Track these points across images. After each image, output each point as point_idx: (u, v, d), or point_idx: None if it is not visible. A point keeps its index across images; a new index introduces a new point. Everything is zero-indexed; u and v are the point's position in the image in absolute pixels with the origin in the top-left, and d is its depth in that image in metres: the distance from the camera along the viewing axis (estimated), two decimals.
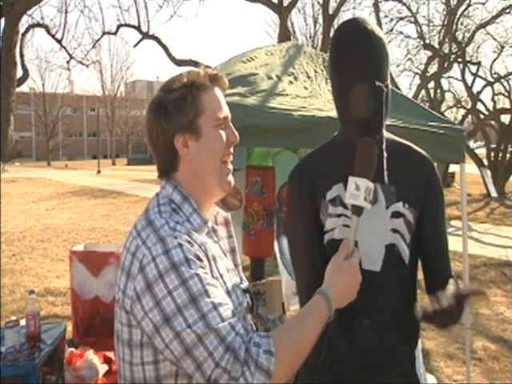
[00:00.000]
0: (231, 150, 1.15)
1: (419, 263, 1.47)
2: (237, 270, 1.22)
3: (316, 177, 1.43)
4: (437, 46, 14.76)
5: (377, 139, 1.34)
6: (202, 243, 1.04)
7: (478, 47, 17.31)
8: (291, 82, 3.19)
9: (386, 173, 1.35)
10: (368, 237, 1.35)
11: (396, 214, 1.36)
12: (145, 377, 1.02)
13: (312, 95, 3.16)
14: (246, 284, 1.23)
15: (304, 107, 2.86)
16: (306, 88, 3.24)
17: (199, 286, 0.95)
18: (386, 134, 1.43)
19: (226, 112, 1.14)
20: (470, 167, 9.00)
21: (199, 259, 0.99)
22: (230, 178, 1.16)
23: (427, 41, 15.15)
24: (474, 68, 17.41)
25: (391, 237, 1.36)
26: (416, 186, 1.40)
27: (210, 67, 4.62)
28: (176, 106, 1.08)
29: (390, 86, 1.41)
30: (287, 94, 3.01)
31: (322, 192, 1.40)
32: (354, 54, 1.31)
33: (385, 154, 1.35)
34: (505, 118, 18.19)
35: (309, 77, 3.39)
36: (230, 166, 1.15)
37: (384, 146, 1.37)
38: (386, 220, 1.36)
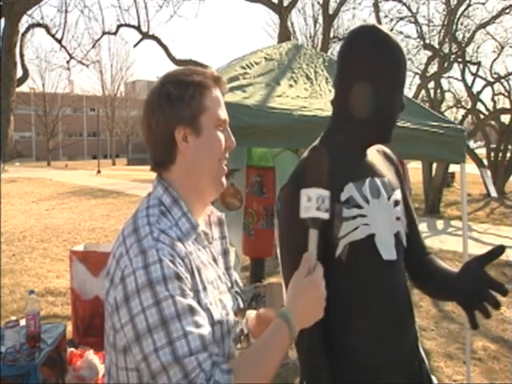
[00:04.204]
0: (227, 154, 1.16)
1: None
2: (228, 272, 1.21)
3: None
4: (437, 46, 14.73)
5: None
6: (187, 254, 1.02)
7: (478, 47, 17.28)
8: (291, 86, 3.19)
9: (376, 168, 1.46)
10: (382, 229, 1.40)
11: (396, 203, 1.45)
12: (128, 382, 1.03)
13: (312, 96, 3.16)
14: (239, 286, 1.24)
15: (305, 107, 2.85)
16: (306, 90, 3.23)
17: (172, 310, 0.95)
18: None
19: (225, 115, 1.15)
20: (470, 167, 8.97)
21: (178, 277, 0.97)
22: (224, 179, 1.16)
23: (427, 41, 15.12)
24: (474, 68, 17.39)
25: (397, 225, 1.44)
26: (395, 176, 1.53)
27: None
28: (182, 98, 1.08)
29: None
30: (287, 96, 3.01)
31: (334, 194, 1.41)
32: (398, 61, 1.41)
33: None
34: (505, 118, 18.18)
35: (309, 78, 3.38)
36: (225, 168, 1.16)
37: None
38: (391, 210, 1.43)
